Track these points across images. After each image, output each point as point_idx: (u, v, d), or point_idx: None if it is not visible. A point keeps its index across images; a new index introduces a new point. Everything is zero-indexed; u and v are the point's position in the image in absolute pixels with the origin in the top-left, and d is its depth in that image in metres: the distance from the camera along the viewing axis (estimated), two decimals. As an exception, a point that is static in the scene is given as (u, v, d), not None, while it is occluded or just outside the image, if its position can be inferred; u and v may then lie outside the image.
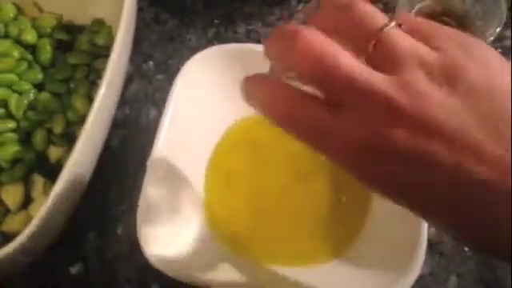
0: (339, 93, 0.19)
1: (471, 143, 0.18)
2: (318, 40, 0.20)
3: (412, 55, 0.19)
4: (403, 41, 0.20)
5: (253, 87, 0.22)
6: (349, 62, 0.19)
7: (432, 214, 0.20)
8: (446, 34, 0.20)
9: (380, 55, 0.20)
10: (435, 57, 0.19)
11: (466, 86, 0.19)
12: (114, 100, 0.37)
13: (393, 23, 0.20)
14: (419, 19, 0.21)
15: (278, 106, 0.21)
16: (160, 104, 0.42)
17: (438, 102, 0.18)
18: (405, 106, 0.18)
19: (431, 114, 0.18)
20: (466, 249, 0.36)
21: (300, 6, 0.47)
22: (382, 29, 0.20)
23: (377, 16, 0.20)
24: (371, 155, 0.19)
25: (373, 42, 0.20)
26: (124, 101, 0.42)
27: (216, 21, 0.47)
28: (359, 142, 0.19)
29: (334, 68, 0.19)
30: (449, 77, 0.19)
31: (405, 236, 0.31)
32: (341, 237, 0.34)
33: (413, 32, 0.20)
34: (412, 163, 0.19)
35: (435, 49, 0.20)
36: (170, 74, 0.43)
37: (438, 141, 0.18)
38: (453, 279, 0.35)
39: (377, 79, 0.19)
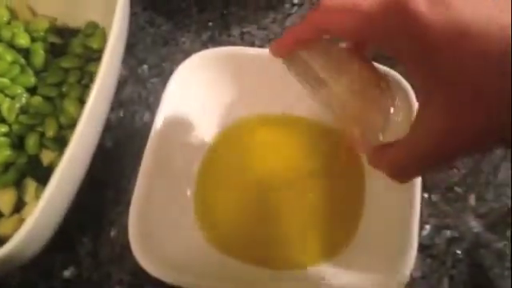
0: None
1: None
2: None
3: None
4: None
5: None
6: None
7: None
8: None
9: None
10: None
11: None
12: (106, 104, 0.37)
13: None
14: None
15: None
16: (154, 107, 0.42)
17: None
18: None
19: None
20: (458, 251, 0.36)
21: (294, 9, 0.47)
22: None
23: None
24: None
25: None
26: (118, 104, 0.42)
27: (210, 24, 0.47)
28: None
29: None
30: None
31: (396, 239, 0.31)
32: (333, 240, 0.34)
33: None
34: None
35: None
36: (164, 77, 0.43)
37: None
38: (445, 282, 0.35)
39: None
